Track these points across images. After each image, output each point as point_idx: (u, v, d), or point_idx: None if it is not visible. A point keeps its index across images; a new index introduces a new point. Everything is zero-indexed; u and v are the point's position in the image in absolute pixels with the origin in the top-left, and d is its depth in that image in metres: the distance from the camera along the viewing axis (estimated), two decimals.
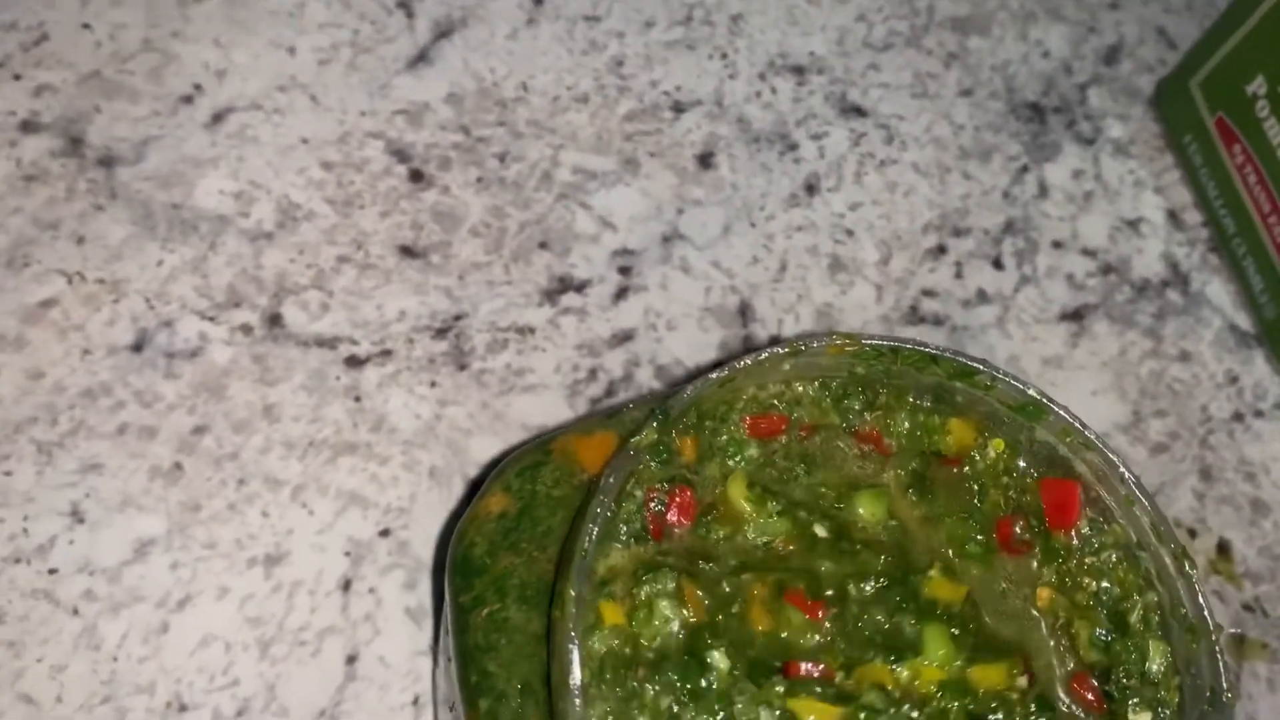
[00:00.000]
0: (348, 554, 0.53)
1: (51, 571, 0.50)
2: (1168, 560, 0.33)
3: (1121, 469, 0.35)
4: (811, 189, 0.65)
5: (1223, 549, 0.61)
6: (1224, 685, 0.33)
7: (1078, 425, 0.35)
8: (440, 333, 0.57)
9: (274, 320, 0.56)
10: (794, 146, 0.66)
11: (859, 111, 0.68)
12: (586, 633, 0.29)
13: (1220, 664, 0.33)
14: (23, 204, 0.56)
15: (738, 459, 0.33)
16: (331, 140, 0.61)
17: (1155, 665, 0.34)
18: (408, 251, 0.59)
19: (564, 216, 0.61)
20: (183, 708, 0.49)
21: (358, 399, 0.55)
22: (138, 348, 0.55)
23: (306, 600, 0.51)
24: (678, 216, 0.63)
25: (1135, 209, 0.68)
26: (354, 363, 0.56)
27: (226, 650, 0.50)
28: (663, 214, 0.63)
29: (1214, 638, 0.33)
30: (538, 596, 0.30)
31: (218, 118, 0.60)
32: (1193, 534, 0.61)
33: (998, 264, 0.65)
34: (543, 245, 0.60)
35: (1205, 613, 0.33)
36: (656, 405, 0.30)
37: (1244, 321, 0.66)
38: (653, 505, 0.31)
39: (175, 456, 0.53)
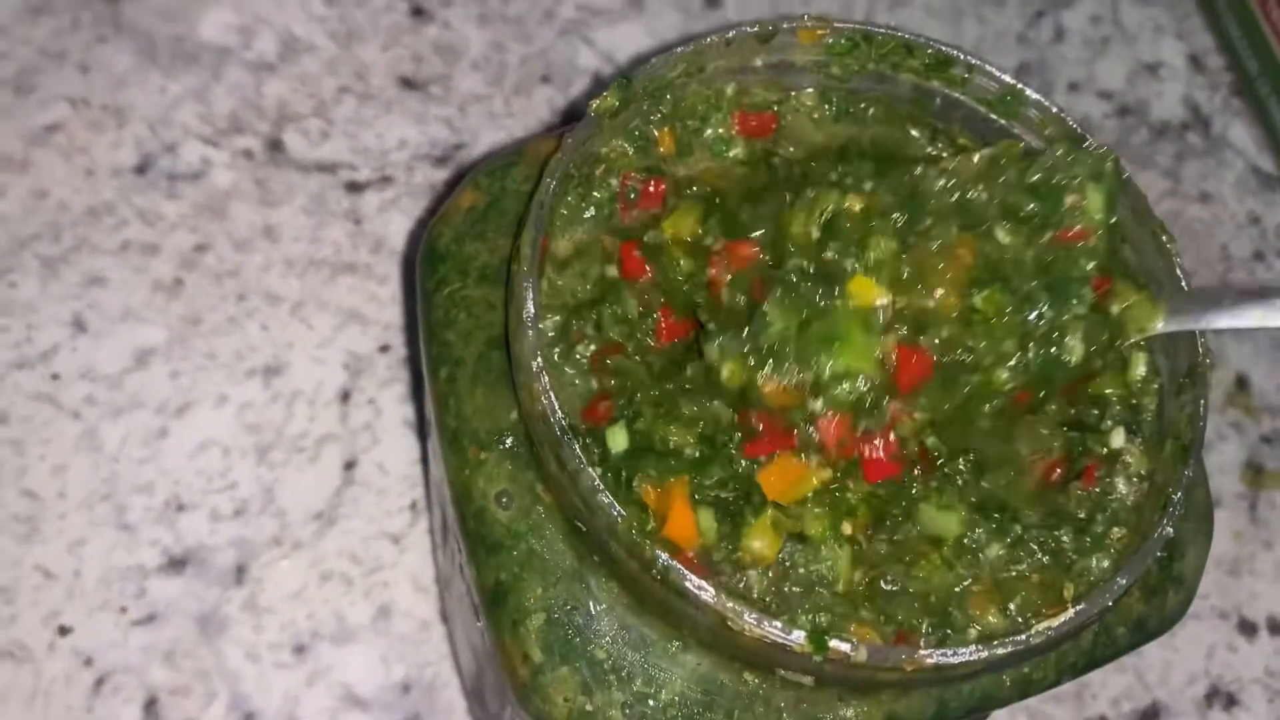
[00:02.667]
0: (347, 367, 0.53)
1: (54, 377, 0.51)
2: (1149, 243, 0.32)
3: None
4: None
5: (1241, 383, 0.59)
6: (1200, 354, 0.32)
7: (1055, 111, 0.34)
8: (440, 161, 0.57)
9: (275, 146, 0.56)
10: None
11: None
12: (545, 309, 0.29)
13: (1196, 336, 0.32)
14: (30, 34, 0.57)
15: (723, 155, 0.33)
16: None
17: (1138, 371, 0.33)
18: (408, 83, 0.59)
19: (566, 52, 0.61)
20: (181, 507, 0.49)
21: (357, 222, 0.55)
22: (141, 170, 0.55)
23: (305, 409, 0.52)
24: None
25: (1155, 53, 0.67)
26: (354, 188, 0.56)
27: (225, 455, 0.50)
28: None
29: None
30: (499, 276, 0.30)
31: None
32: (1210, 367, 0.59)
33: None
34: (545, 79, 0.60)
35: (1182, 284, 0.32)
36: (620, 75, 0.30)
37: (1268, 164, 0.65)
38: (629, 194, 0.31)
39: (176, 272, 0.53)
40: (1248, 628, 0.54)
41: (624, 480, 0.28)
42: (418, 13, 0.60)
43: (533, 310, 0.27)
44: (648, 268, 0.31)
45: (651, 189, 0.32)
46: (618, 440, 0.29)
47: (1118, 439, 0.33)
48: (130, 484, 0.49)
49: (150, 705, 0.46)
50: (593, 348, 0.30)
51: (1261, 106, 0.65)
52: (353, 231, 0.55)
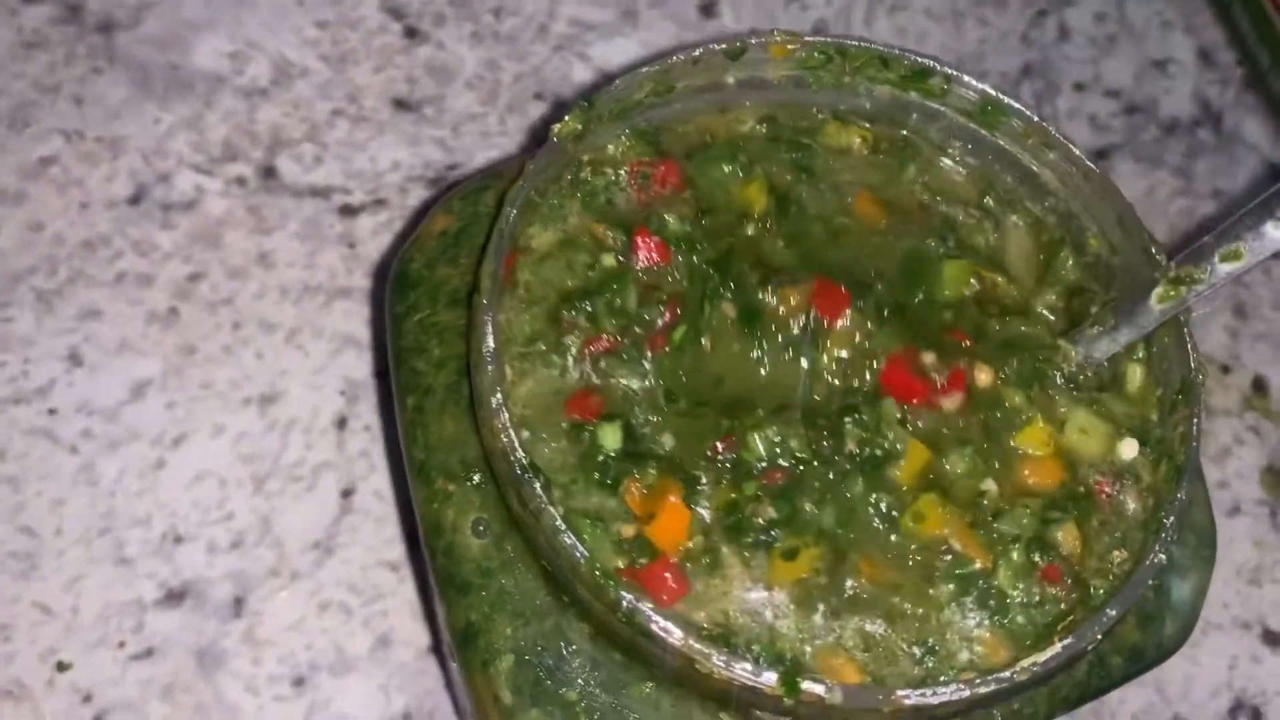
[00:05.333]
0: (343, 393, 0.52)
1: (51, 411, 0.51)
2: (1139, 258, 0.31)
3: (1087, 162, 0.33)
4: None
5: (1259, 385, 0.58)
6: (1192, 367, 0.30)
7: (1036, 121, 0.33)
8: (434, 182, 0.57)
9: (268, 173, 0.56)
10: None
11: None
12: (523, 305, 0.29)
13: (1188, 347, 0.30)
14: (24, 69, 0.57)
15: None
16: (326, 0, 0.60)
17: (1133, 385, 0.32)
18: (401, 105, 0.58)
19: (560, 68, 0.60)
20: (178, 539, 0.49)
21: (351, 245, 0.55)
22: (135, 201, 0.55)
23: (301, 438, 0.51)
24: None
25: (1163, 49, 0.65)
26: (348, 211, 0.56)
27: (221, 486, 0.50)
28: None
29: (1182, 322, 0.31)
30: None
31: None
32: (1226, 370, 0.58)
33: None
34: (538, 96, 0.59)
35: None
36: (582, 97, 0.29)
37: None
38: (637, 180, 0.31)
39: (171, 302, 0.53)
40: (1271, 638, 0.53)
41: (611, 478, 0.28)
42: (411, 34, 0.60)
43: (492, 345, 0.27)
44: (669, 253, 0.31)
45: (662, 171, 0.32)
46: (610, 439, 0.28)
47: (1129, 450, 0.32)
48: (127, 517, 0.49)
49: None
50: (582, 340, 0.30)
51: (1274, 100, 0.63)
52: (347, 255, 0.55)
